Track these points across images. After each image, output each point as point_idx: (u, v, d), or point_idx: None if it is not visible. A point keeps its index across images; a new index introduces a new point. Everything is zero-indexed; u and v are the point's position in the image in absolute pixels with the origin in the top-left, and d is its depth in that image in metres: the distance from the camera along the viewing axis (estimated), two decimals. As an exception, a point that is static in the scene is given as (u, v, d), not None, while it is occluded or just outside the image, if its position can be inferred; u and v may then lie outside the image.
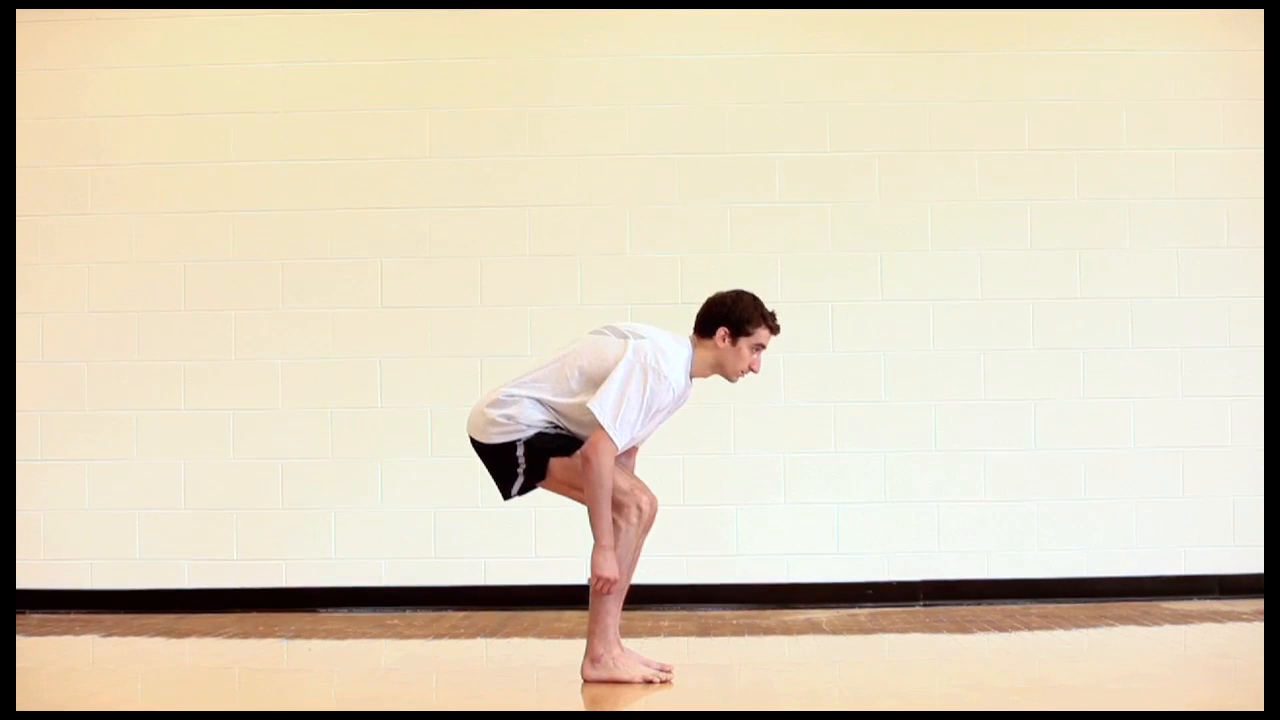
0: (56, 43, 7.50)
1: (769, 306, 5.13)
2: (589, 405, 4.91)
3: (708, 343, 5.11)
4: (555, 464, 5.02)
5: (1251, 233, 7.31)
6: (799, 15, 7.48)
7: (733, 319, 5.08)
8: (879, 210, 7.44)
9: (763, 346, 5.12)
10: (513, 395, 5.02)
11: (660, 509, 5.13)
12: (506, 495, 5.12)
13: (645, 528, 5.05)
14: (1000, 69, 7.47)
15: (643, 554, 5.12)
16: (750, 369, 5.13)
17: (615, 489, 4.96)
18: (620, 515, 4.99)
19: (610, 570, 4.93)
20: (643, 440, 5.18)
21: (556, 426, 5.05)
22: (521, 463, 5.02)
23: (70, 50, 7.50)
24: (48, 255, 7.45)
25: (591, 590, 5.00)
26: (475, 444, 5.11)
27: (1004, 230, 7.43)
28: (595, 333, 5.14)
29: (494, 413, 5.02)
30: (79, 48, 7.50)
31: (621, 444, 4.91)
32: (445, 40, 7.49)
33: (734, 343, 5.08)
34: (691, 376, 5.12)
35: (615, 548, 4.95)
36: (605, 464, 4.88)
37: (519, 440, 5.01)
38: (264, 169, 7.47)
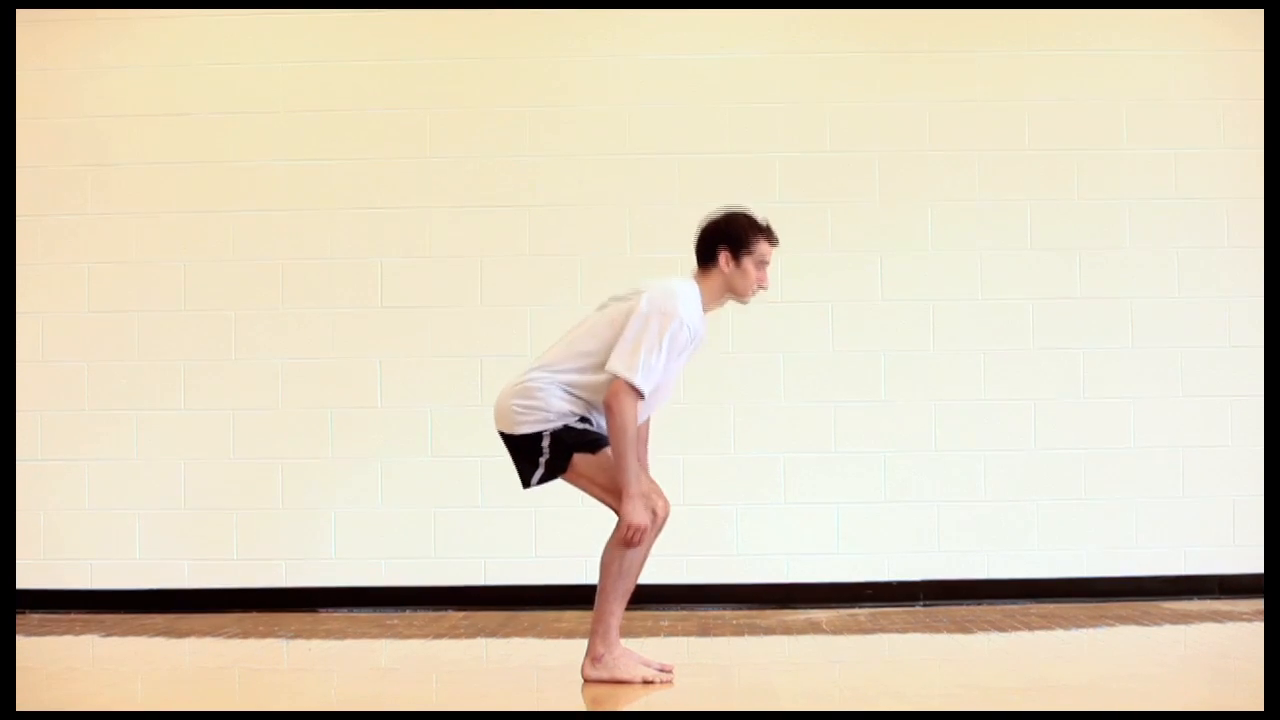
0: (56, 43, 7.50)
1: (761, 219, 5.12)
2: (608, 367, 4.89)
3: (712, 270, 5.10)
4: (579, 459, 5.00)
5: (1251, 233, 7.31)
6: (799, 15, 7.48)
7: (730, 237, 5.07)
8: (879, 210, 7.44)
9: (766, 261, 5.11)
10: (536, 381, 5.00)
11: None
12: (526, 484, 5.10)
13: (657, 531, 5.05)
14: (1000, 69, 7.47)
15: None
16: (760, 286, 5.12)
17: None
18: None
19: (641, 518, 4.91)
20: (666, 394, 5.12)
21: (584, 418, 5.03)
22: (546, 453, 5.00)
23: (70, 50, 7.50)
24: (48, 255, 7.46)
25: (604, 570, 4.96)
26: (502, 435, 5.09)
27: (1004, 230, 7.43)
28: (600, 307, 5.14)
29: (520, 403, 5.00)
30: (79, 48, 7.51)
31: (646, 388, 4.88)
32: (445, 40, 7.49)
33: (737, 262, 5.08)
34: (705, 309, 5.10)
35: (617, 556, 4.95)
36: (629, 411, 4.86)
37: (546, 431, 4.99)
38: (264, 169, 7.47)
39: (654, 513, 5.00)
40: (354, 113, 7.49)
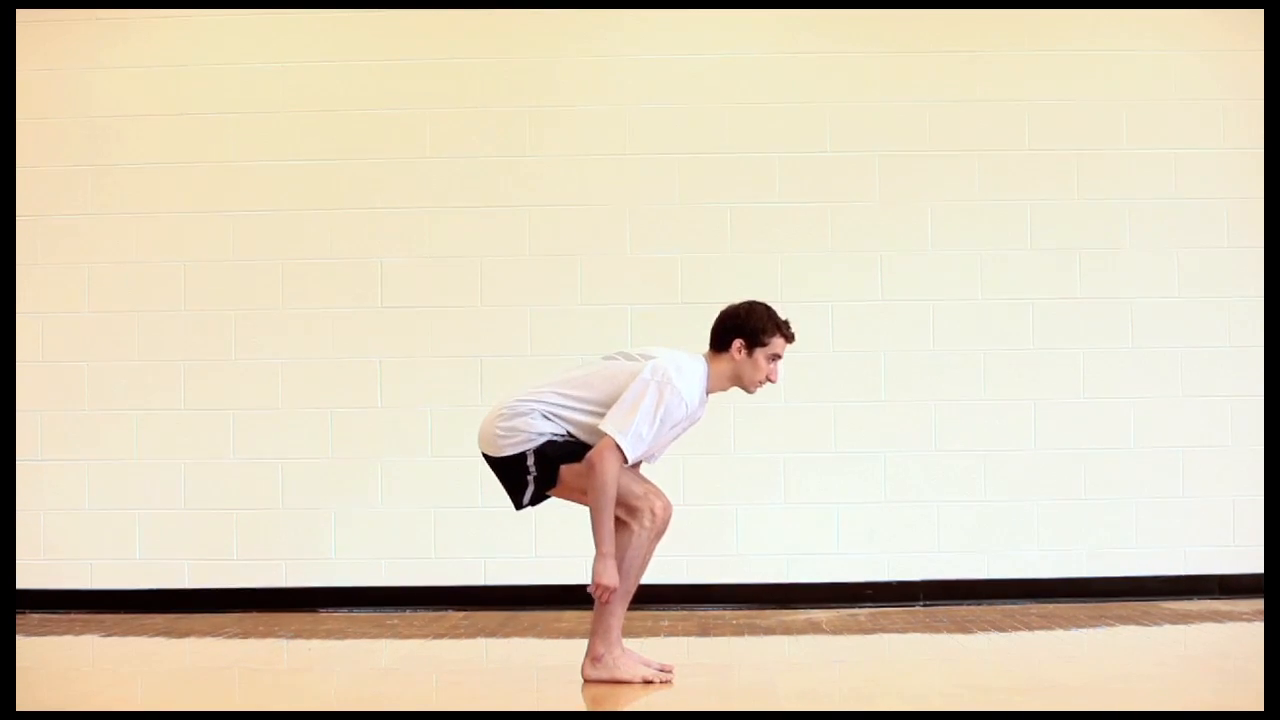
0: (56, 43, 7.50)
1: (781, 315, 5.14)
2: (601, 425, 4.91)
3: (724, 356, 5.11)
4: (566, 471, 5.01)
5: (1251, 233, 7.31)
6: (799, 15, 7.48)
7: (747, 330, 5.08)
8: (879, 210, 7.44)
9: (779, 356, 5.13)
10: (520, 406, 5.01)
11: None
12: (518, 505, 5.11)
13: (658, 533, 5.05)
14: (1000, 69, 7.47)
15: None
16: (768, 379, 5.14)
17: (630, 493, 4.97)
18: (634, 519, 4.99)
19: (610, 579, 4.92)
20: (653, 458, 5.19)
21: (567, 435, 5.04)
22: (532, 470, 5.01)
23: (70, 50, 7.50)
24: (48, 255, 7.45)
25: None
26: (486, 458, 5.11)
27: (1004, 230, 7.43)
28: (607, 358, 5.15)
29: (503, 425, 5.01)
30: (79, 48, 7.50)
31: (631, 456, 4.91)
32: (445, 40, 7.49)
33: (750, 354, 5.09)
34: (709, 391, 5.12)
35: (617, 554, 4.95)
36: (610, 472, 4.87)
37: (529, 450, 5.00)
38: (264, 169, 7.47)
39: (654, 513, 5.01)
40: (354, 113, 7.48)
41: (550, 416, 5.01)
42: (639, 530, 4.99)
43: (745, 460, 7.38)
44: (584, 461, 4.95)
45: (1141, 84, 7.46)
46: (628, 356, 5.11)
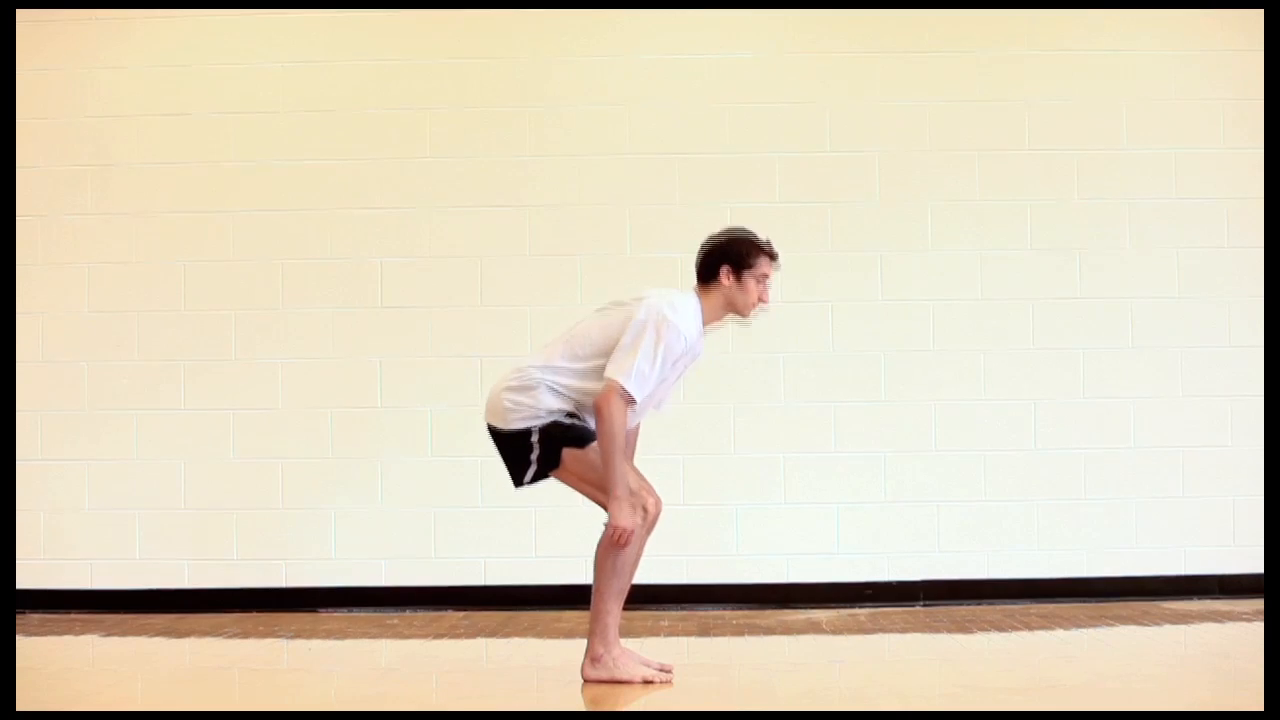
0: (56, 43, 7.50)
1: (762, 237, 5.17)
2: (606, 370, 4.92)
3: (713, 287, 5.14)
4: (568, 455, 5.02)
5: (1251, 233, 7.31)
6: (799, 15, 7.48)
7: (731, 255, 5.12)
8: (879, 210, 7.44)
9: (767, 276, 5.16)
10: (529, 377, 5.02)
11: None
12: (518, 483, 5.12)
13: (649, 528, 5.06)
14: (1000, 69, 7.47)
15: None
16: (760, 301, 5.16)
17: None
18: None
19: (628, 520, 4.93)
20: (661, 405, 5.19)
21: (572, 415, 5.04)
22: (535, 448, 5.02)
23: (70, 50, 7.50)
24: (48, 255, 7.45)
25: (597, 570, 4.98)
26: (491, 430, 5.11)
27: (1004, 230, 7.43)
28: (600, 310, 5.17)
29: (512, 397, 5.02)
30: (79, 48, 7.50)
31: (638, 395, 4.91)
32: (445, 40, 7.49)
33: (738, 279, 5.12)
34: (705, 324, 5.14)
35: (610, 555, 4.96)
36: (618, 415, 4.88)
37: (534, 427, 5.01)
38: (264, 169, 7.47)
39: (645, 510, 5.02)
40: (354, 113, 7.49)
41: (557, 389, 5.01)
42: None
43: (745, 460, 7.38)
44: (590, 450, 4.97)
45: (1141, 84, 7.46)
46: (619, 304, 5.13)
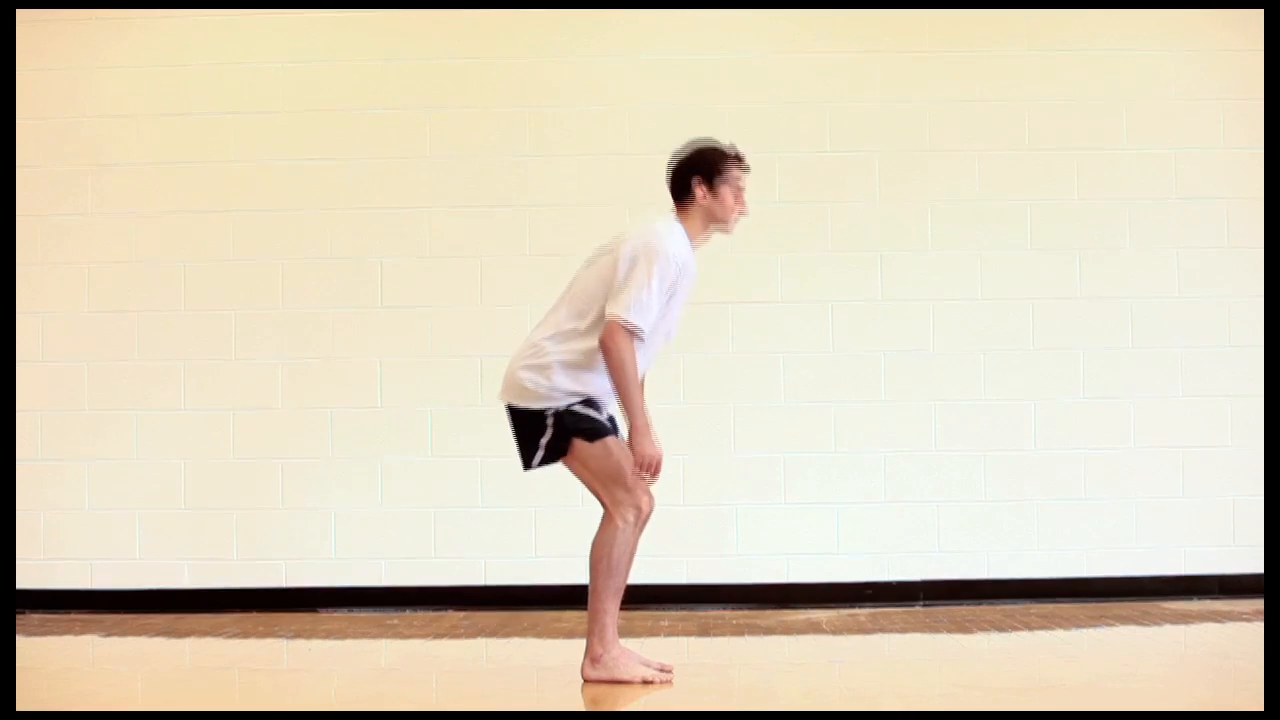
0: (56, 43, 7.50)
1: (729, 147, 5.17)
2: (605, 312, 4.92)
3: (689, 204, 5.14)
4: (579, 445, 5.02)
5: (1251, 233, 7.31)
6: (799, 15, 7.48)
7: (702, 167, 5.12)
8: (879, 210, 7.44)
9: (741, 186, 5.15)
10: (543, 352, 5.01)
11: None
12: (527, 465, 5.12)
13: (641, 526, 5.05)
14: (1000, 69, 7.47)
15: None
16: (740, 212, 5.16)
17: (621, 486, 4.97)
18: (617, 512, 5.00)
19: (652, 449, 4.94)
20: (671, 335, 5.14)
21: (588, 402, 5.03)
22: (548, 433, 5.02)
23: (70, 50, 7.50)
24: (48, 255, 7.46)
25: (593, 569, 4.97)
26: (507, 407, 5.11)
27: (1004, 230, 7.43)
28: (587, 263, 5.16)
29: (529, 376, 5.02)
30: (79, 48, 7.50)
31: (643, 325, 4.90)
32: (445, 40, 7.49)
33: (713, 191, 5.12)
34: (692, 242, 5.13)
35: (604, 553, 4.97)
36: (624, 348, 4.88)
37: (550, 410, 5.01)
38: (264, 169, 7.47)
39: (638, 508, 5.02)
40: (354, 113, 7.49)
41: (571, 363, 5.00)
42: (623, 526, 5.00)
43: (745, 460, 7.38)
44: (598, 444, 4.97)
45: (1141, 84, 7.46)
46: (603, 250, 5.13)
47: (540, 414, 5.02)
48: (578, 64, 7.49)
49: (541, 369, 5.01)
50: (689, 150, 5.18)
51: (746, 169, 5.17)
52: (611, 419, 5.09)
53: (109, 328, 7.44)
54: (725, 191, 5.11)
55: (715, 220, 5.15)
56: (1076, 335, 7.41)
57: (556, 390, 5.00)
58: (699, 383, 7.27)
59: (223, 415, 7.42)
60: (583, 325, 5.01)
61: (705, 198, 5.11)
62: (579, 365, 5.02)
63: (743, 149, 5.20)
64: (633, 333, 4.91)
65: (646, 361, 5.07)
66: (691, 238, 5.12)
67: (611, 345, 4.90)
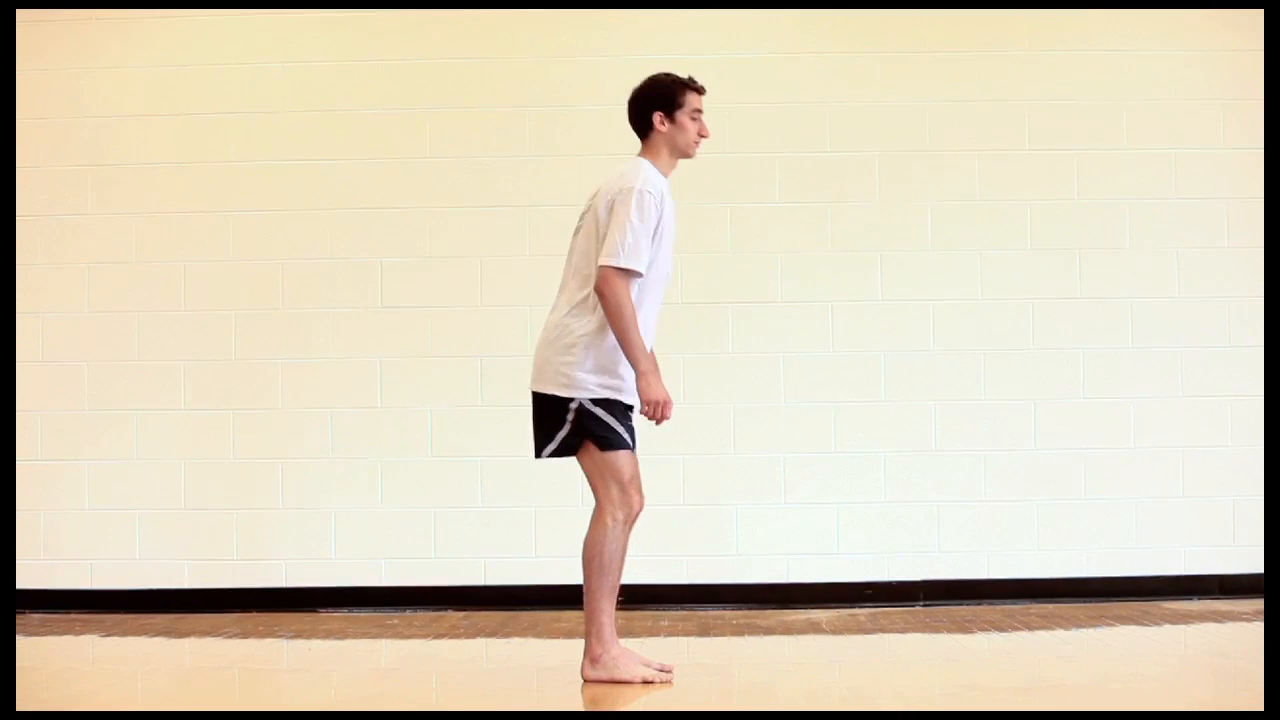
0: (56, 43, 7.50)
1: (683, 75, 5.21)
2: (597, 262, 4.95)
3: (652, 138, 5.19)
4: (591, 448, 5.02)
5: (1251, 233, 7.31)
6: (799, 15, 7.48)
7: (659, 100, 5.17)
8: (879, 210, 7.44)
9: (699, 110, 5.19)
10: (566, 331, 5.02)
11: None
12: (539, 453, 5.12)
13: (630, 524, 5.06)
14: (1000, 69, 7.47)
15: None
16: (701, 135, 5.20)
17: (619, 487, 4.98)
18: (608, 512, 5.01)
19: (662, 393, 4.97)
20: (668, 276, 5.16)
21: (613, 405, 5.02)
22: (566, 428, 5.03)
23: (70, 50, 7.50)
24: (48, 255, 7.46)
25: (586, 570, 4.97)
26: (533, 394, 5.12)
27: (1004, 230, 7.43)
28: (577, 231, 5.19)
29: (551, 357, 5.03)
30: (79, 48, 7.50)
31: (638, 266, 4.93)
32: (445, 40, 7.49)
33: (673, 120, 5.16)
34: (665, 176, 5.16)
35: (596, 553, 4.98)
36: (620, 291, 4.91)
37: (574, 402, 5.01)
38: (264, 169, 7.47)
39: (630, 508, 5.02)
40: (354, 113, 7.49)
41: (594, 341, 5.00)
42: (612, 525, 5.01)
43: (745, 460, 7.37)
44: (610, 454, 4.98)
45: (1141, 84, 7.46)
46: (584, 212, 5.18)
47: (564, 404, 5.02)
48: (578, 64, 7.49)
49: (568, 348, 5.02)
50: (644, 84, 5.23)
51: (702, 90, 5.22)
52: (631, 431, 5.09)
53: (109, 328, 7.44)
54: (686, 120, 5.17)
55: (678, 149, 5.20)
56: (1076, 335, 7.41)
57: (578, 376, 5.00)
58: (699, 383, 7.27)
59: (223, 415, 7.42)
60: (592, 289, 5.03)
61: (665, 127, 5.16)
62: (602, 347, 5.01)
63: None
64: (628, 273, 4.94)
65: (654, 303, 5.10)
66: (664, 171, 5.18)
67: (606, 289, 4.93)
